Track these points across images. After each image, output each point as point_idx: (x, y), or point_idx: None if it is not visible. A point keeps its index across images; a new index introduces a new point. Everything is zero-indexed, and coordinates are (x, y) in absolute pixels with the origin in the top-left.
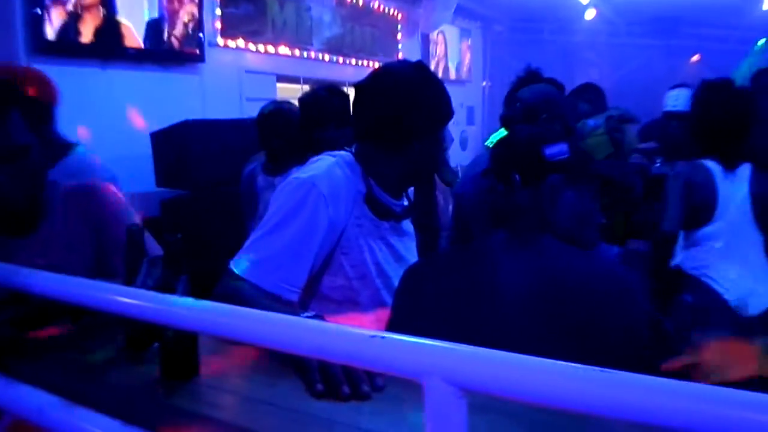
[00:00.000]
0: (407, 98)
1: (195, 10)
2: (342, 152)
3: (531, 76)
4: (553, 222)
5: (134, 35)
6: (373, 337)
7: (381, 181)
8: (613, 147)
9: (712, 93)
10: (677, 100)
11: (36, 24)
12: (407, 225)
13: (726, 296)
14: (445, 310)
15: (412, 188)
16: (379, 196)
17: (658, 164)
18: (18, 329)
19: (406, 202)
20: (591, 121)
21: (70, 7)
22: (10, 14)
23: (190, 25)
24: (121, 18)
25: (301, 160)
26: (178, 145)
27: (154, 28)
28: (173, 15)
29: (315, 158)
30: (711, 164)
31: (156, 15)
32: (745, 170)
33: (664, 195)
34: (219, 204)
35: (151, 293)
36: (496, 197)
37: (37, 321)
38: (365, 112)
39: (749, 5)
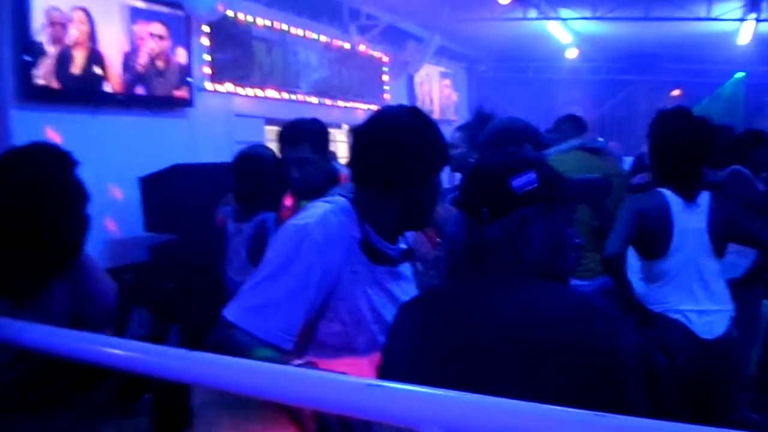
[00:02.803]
0: (403, 143)
1: (184, 56)
2: (337, 198)
3: (484, 118)
4: (526, 255)
5: (123, 81)
6: (369, 385)
7: (377, 226)
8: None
9: (666, 120)
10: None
11: (25, 70)
12: (404, 269)
13: (693, 328)
14: (428, 350)
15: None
16: (374, 241)
17: None
18: (21, 390)
19: (402, 246)
20: (563, 146)
21: (59, 54)
22: None
23: (180, 71)
24: (111, 64)
25: (272, 206)
26: (167, 190)
27: (143, 74)
28: (162, 61)
29: (310, 204)
30: (668, 194)
31: (145, 61)
32: (704, 198)
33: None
34: (208, 248)
35: (144, 344)
36: (468, 232)
37: (40, 380)
38: (362, 157)
39: (725, 40)
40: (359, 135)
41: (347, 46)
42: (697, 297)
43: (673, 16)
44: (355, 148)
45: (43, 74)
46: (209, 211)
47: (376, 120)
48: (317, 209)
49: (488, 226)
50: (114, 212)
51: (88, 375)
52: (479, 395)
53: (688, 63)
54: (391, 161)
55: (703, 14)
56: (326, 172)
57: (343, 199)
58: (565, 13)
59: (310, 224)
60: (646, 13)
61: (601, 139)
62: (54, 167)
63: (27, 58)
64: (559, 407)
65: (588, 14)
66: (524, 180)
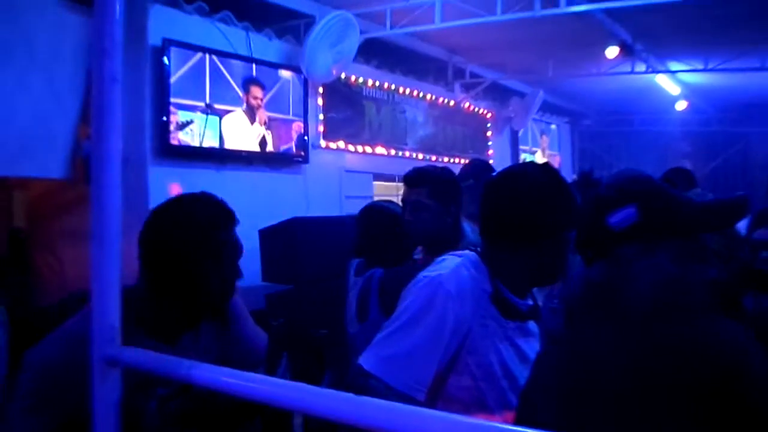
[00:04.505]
0: (535, 197)
1: (301, 117)
2: (467, 252)
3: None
4: (631, 296)
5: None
6: None
7: (507, 281)
8: None
9: None
10: None
11: (162, 130)
12: (532, 325)
13: None
14: (558, 402)
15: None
16: (506, 295)
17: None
18: (181, 425)
19: (531, 302)
20: None
21: (192, 117)
22: (140, 120)
23: (297, 130)
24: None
25: (387, 262)
26: (285, 242)
27: (257, 124)
28: (283, 121)
29: (441, 258)
30: None
31: (267, 121)
32: None
33: None
34: (321, 299)
35: (306, 386)
36: (582, 275)
37: (199, 416)
38: (494, 211)
39: None
40: (491, 190)
41: (452, 103)
42: None
43: None
44: (486, 203)
45: (177, 134)
46: (323, 263)
47: (507, 175)
48: (448, 262)
49: (594, 267)
50: None
51: (238, 415)
52: None
53: None
54: (522, 215)
55: None
56: (447, 224)
57: (472, 253)
58: (674, 65)
59: (443, 276)
60: (762, 62)
61: (710, 195)
62: (214, 218)
63: (164, 118)
64: None
65: (699, 66)
66: (621, 216)
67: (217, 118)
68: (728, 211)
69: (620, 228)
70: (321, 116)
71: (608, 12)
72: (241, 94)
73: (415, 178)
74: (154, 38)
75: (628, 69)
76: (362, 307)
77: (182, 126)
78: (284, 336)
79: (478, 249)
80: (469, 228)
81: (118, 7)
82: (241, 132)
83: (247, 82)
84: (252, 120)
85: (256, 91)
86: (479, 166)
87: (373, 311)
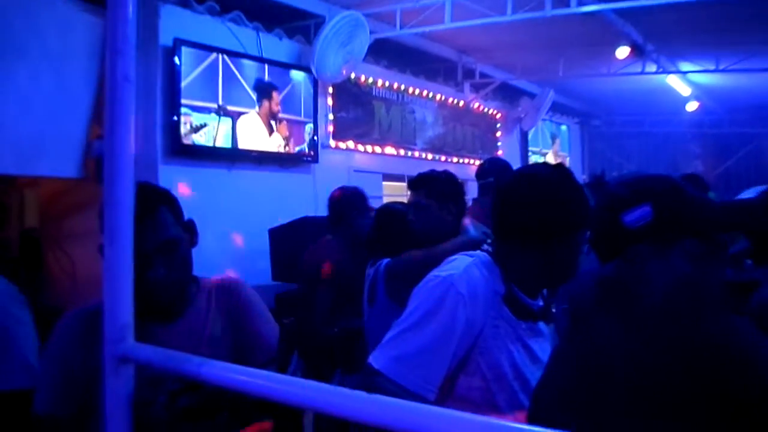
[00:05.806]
0: (549, 196)
1: (311, 117)
2: (479, 252)
3: (597, 182)
4: (645, 295)
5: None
6: None
7: (519, 281)
8: None
9: None
10: None
11: (173, 130)
12: (542, 326)
13: None
14: (568, 393)
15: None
16: (518, 295)
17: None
18: (190, 420)
19: (541, 303)
20: None
21: (205, 120)
22: (151, 119)
23: (307, 130)
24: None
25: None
26: (295, 241)
27: (276, 133)
28: (293, 122)
29: (452, 257)
30: None
31: (279, 121)
32: None
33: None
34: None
35: (317, 384)
36: (598, 272)
37: (208, 411)
38: (507, 212)
39: None
40: (504, 190)
41: (461, 103)
42: None
43: None
44: (499, 204)
45: (188, 133)
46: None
47: (520, 176)
48: (460, 262)
49: (608, 265)
50: (245, 262)
51: (248, 411)
52: None
53: None
54: (537, 214)
55: None
56: (446, 222)
57: (483, 253)
58: (685, 66)
59: (455, 276)
60: None
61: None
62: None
63: (175, 118)
64: None
65: (711, 67)
66: (637, 214)
67: (230, 120)
68: (746, 212)
69: (635, 227)
70: (330, 116)
71: (619, 12)
72: (252, 95)
73: (415, 182)
74: (164, 38)
75: (639, 69)
76: (372, 293)
77: (197, 129)
78: (294, 335)
79: (489, 249)
80: (471, 225)
81: (130, 7)
82: (257, 137)
83: (266, 88)
84: (271, 130)
85: (276, 97)
86: (498, 164)
87: (380, 295)
